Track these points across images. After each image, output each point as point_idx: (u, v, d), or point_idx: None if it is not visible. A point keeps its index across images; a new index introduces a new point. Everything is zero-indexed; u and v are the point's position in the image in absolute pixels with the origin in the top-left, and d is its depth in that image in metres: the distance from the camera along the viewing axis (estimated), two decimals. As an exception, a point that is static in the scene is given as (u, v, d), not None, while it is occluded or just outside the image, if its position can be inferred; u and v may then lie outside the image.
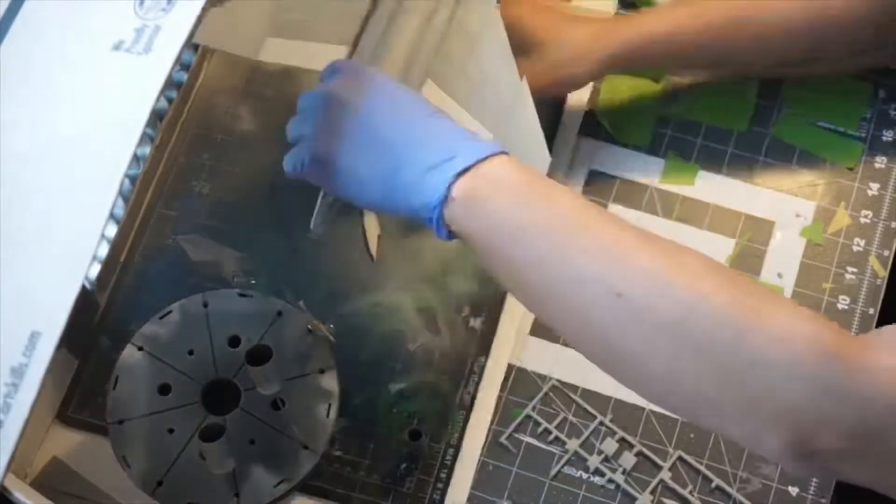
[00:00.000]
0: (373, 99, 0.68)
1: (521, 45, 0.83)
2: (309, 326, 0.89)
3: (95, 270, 0.91)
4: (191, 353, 0.89)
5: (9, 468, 0.59)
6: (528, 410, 0.88)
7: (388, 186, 0.68)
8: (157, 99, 0.65)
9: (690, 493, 0.85)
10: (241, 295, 0.91)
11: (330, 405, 0.87)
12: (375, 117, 0.68)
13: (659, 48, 0.86)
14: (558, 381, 0.89)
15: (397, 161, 0.67)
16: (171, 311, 0.90)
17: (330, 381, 0.88)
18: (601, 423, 0.88)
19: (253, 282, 0.92)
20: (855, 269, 0.92)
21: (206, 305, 0.90)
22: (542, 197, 0.65)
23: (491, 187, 0.65)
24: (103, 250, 0.91)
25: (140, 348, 0.89)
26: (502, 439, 0.87)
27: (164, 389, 0.88)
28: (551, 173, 0.95)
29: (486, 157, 0.65)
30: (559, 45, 0.84)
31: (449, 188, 0.65)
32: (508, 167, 0.65)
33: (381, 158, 0.67)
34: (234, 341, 0.89)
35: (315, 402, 0.87)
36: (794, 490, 0.85)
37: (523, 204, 0.64)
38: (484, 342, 0.90)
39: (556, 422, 0.88)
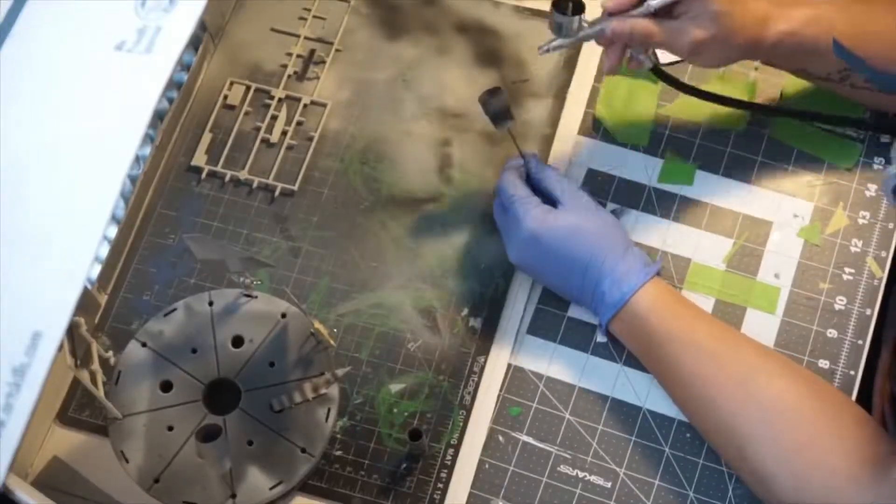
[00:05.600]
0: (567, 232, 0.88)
1: (702, 12, 0.85)
2: (311, 331, 0.89)
3: (96, 271, 0.91)
4: (194, 351, 0.89)
5: (11, 467, 0.60)
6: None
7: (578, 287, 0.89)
8: (159, 99, 0.66)
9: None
10: (247, 295, 0.91)
11: (329, 409, 0.87)
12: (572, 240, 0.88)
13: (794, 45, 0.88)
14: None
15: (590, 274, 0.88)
16: (175, 309, 0.90)
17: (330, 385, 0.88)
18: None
19: (257, 282, 0.92)
20: (852, 270, 0.92)
21: (211, 304, 0.91)
22: (686, 317, 0.86)
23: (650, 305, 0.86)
24: (104, 250, 0.92)
25: (144, 344, 0.89)
26: (500, 438, 0.87)
27: (166, 386, 0.88)
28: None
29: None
30: (739, 13, 0.85)
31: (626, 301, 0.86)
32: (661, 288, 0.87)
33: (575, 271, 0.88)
34: (238, 341, 0.89)
35: (315, 405, 0.87)
36: None
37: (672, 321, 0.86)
38: (484, 342, 0.91)
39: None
